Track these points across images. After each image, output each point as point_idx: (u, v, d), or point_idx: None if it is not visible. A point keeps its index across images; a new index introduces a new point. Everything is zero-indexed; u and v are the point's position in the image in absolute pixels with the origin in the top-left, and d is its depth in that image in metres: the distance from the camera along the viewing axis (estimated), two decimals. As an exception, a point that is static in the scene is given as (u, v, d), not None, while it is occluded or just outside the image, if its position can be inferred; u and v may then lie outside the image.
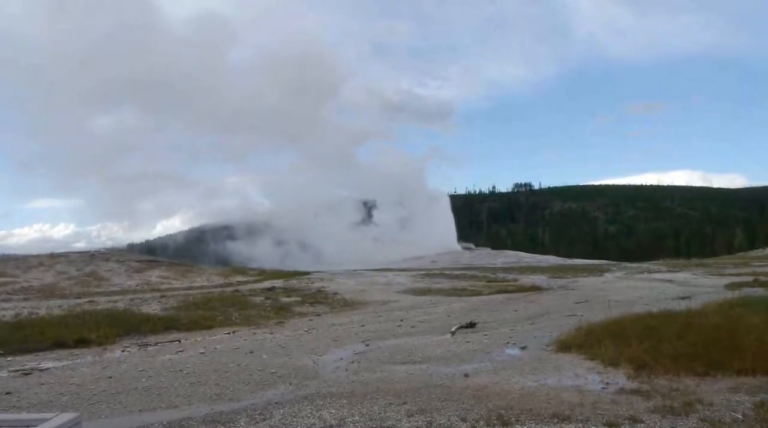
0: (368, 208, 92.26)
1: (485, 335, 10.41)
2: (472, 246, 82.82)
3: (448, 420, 4.91)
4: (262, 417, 5.32)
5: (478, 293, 22.65)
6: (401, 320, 13.97)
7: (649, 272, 32.45)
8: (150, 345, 11.58)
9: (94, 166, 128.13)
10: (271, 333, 12.87)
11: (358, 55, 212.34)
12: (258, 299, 20.46)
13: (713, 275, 28.10)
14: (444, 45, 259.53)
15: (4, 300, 20.98)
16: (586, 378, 6.48)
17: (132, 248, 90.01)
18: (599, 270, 35.16)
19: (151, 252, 69.90)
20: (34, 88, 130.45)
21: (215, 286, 27.88)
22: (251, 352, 9.66)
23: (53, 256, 37.07)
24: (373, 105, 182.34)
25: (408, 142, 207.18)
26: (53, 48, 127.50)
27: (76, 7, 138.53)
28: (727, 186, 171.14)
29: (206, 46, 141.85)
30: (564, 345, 8.36)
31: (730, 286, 19.15)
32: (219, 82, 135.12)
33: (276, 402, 5.90)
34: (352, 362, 8.30)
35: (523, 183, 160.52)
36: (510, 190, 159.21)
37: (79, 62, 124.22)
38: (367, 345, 10.00)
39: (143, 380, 7.49)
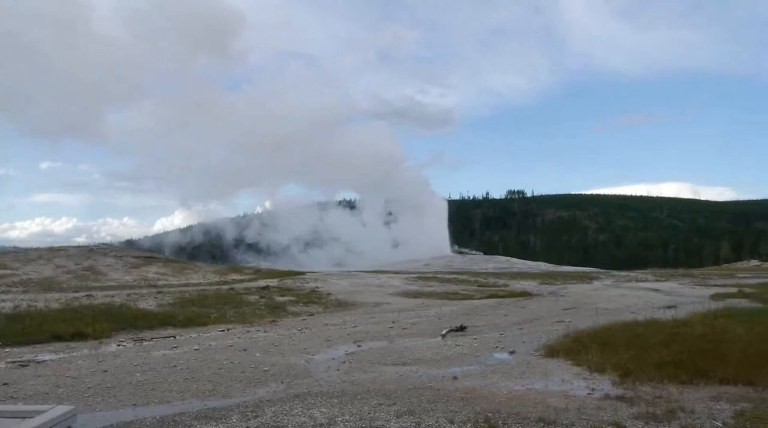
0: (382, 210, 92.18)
1: (475, 339, 10.55)
2: (465, 250, 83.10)
3: (436, 422, 5.04)
4: (254, 414, 5.42)
5: (470, 297, 22.81)
6: (393, 322, 14.08)
7: (637, 281, 32.79)
8: (145, 340, 11.61)
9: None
10: (265, 331, 12.94)
11: (363, 62, 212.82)
12: (253, 297, 20.51)
13: (699, 285, 28.46)
14: (446, 53, 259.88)
15: (3, 293, 20.93)
16: (573, 383, 6.63)
17: (130, 244, 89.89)
18: (588, 278, 35.49)
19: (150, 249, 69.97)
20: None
21: (211, 284, 27.88)
22: (245, 350, 9.74)
23: (52, 250, 37.00)
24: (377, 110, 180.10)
25: (408, 147, 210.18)
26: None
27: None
28: (715, 199, 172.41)
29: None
30: (552, 351, 8.51)
31: (716, 297, 19.44)
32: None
33: (268, 400, 6.00)
34: (344, 362, 8.42)
35: (516, 190, 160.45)
36: (503, 196, 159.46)
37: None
38: (359, 345, 10.11)
39: (138, 375, 7.57)
